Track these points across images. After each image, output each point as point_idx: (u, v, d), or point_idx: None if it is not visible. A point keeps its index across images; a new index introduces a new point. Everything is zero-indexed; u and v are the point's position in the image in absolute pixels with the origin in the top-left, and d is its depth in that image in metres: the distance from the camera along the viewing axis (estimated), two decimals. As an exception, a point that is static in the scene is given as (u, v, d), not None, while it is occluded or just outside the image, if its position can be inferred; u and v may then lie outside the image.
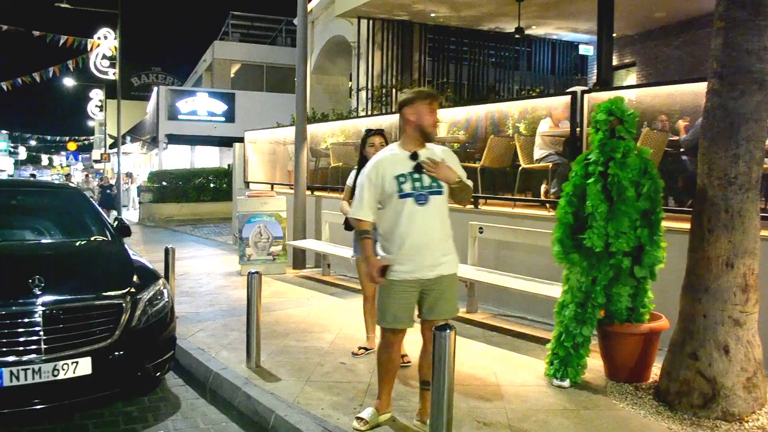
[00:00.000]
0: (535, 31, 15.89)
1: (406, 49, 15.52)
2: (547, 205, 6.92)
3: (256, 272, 5.02)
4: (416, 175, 3.67)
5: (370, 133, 5.20)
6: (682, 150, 6.57)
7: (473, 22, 15.39)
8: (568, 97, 6.58)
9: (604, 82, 10.30)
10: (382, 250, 3.75)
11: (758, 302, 4.04)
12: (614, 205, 4.40)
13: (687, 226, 4.37)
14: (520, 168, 7.64)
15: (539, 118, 7.72)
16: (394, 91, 14.76)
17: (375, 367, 4.94)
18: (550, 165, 7.29)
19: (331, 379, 4.72)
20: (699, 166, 4.18)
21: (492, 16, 14.60)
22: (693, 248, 4.19)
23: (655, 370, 4.61)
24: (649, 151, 4.58)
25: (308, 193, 10.27)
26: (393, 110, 14.36)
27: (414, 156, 3.69)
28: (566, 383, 4.50)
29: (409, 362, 4.84)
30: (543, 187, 7.37)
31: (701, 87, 4.30)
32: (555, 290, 5.56)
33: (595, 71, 13.00)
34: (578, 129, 6.35)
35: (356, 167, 5.34)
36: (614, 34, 12.00)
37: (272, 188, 12.23)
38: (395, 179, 3.66)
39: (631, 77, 15.52)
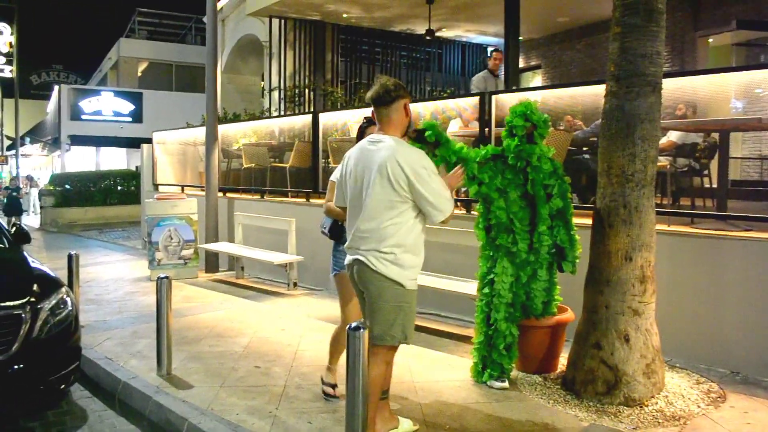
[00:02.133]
0: (445, 33, 16.17)
1: (318, 50, 15.46)
2: (459, 204, 7.06)
3: (166, 277, 4.87)
4: None
5: (370, 122, 4.31)
6: (585, 149, 6.86)
7: (385, 24, 15.50)
8: (477, 98, 6.74)
9: (511, 84, 10.62)
10: (399, 262, 3.39)
11: (655, 293, 4.27)
12: (537, 209, 4.53)
13: (589, 222, 4.57)
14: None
15: (450, 118, 7.86)
16: (306, 91, 14.68)
17: (290, 369, 4.94)
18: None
19: (246, 384, 4.64)
20: (599, 165, 4.38)
21: (403, 18, 14.76)
22: (594, 243, 4.39)
23: (563, 361, 4.80)
24: (553, 150, 4.74)
25: (220, 194, 10.07)
26: (306, 110, 14.29)
27: None
28: (506, 383, 4.53)
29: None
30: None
31: (601, 89, 4.49)
32: (468, 287, 5.70)
33: (504, 73, 13.35)
34: (487, 129, 6.51)
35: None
36: (520, 38, 12.39)
37: (182, 190, 11.92)
38: None
39: (537, 79, 16.06)
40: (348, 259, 3.59)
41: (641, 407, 4.09)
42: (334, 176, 4.08)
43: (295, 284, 8.21)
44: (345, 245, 3.63)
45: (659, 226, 4.64)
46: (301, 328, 6.17)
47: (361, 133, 4.21)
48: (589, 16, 13.40)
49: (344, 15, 14.61)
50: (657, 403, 4.14)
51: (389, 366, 3.68)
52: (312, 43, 15.39)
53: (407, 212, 3.39)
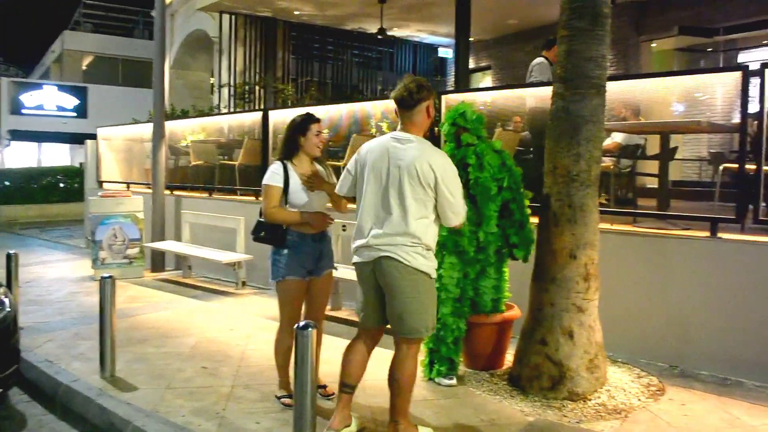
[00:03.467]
0: (397, 32, 16.24)
1: (269, 46, 15.33)
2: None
3: (110, 276, 4.75)
4: None
5: (316, 118, 4.15)
6: (531, 149, 6.99)
7: (337, 22, 15.48)
8: (427, 98, 6.78)
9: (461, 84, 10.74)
10: (427, 256, 3.48)
11: (598, 290, 4.38)
12: (480, 208, 4.57)
13: (536, 220, 4.65)
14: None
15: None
16: (257, 88, 14.54)
17: (238, 369, 4.89)
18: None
19: (193, 385, 4.57)
20: (545, 164, 4.46)
21: (356, 17, 14.76)
22: (540, 241, 4.47)
23: (509, 357, 4.87)
24: (500, 143, 4.79)
25: (167, 192, 9.86)
26: (257, 107, 14.15)
27: None
28: (454, 380, 4.56)
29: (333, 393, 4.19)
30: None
31: (549, 91, 4.57)
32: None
33: (454, 73, 13.49)
34: (436, 129, 6.56)
35: (280, 161, 4.11)
36: (471, 39, 12.52)
37: (128, 188, 11.64)
38: None
39: (487, 80, 16.28)
40: (367, 256, 3.50)
41: (585, 401, 4.19)
42: (275, 180, 4.04)
43: (243, 283, 8.12)
44: (364, 243, 3.48)
45: (603, 225, 4.76)
46: (249, 328, 6.11)
47: (305, 128, 4.06)
48: (538, 19, 13.63)
49: (296, 12, 14.53)
50: (600, 397, 4.24)
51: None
52: (263, 40, 15.26)
53: (433, 211, 3.47)
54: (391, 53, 17.59)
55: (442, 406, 4.18)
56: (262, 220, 4.14)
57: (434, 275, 3.55)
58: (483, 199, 4.55)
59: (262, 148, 8.94)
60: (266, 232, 4.10)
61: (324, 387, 4.29)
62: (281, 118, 9.14)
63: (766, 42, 12.45)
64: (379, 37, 14.73)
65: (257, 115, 9.46)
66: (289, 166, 4.07)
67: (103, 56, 29.62)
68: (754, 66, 5.02)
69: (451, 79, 16.52)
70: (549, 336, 4.31)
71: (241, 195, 9.43)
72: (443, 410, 4.10)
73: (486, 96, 7.56)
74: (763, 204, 5.14)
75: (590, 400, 4.22)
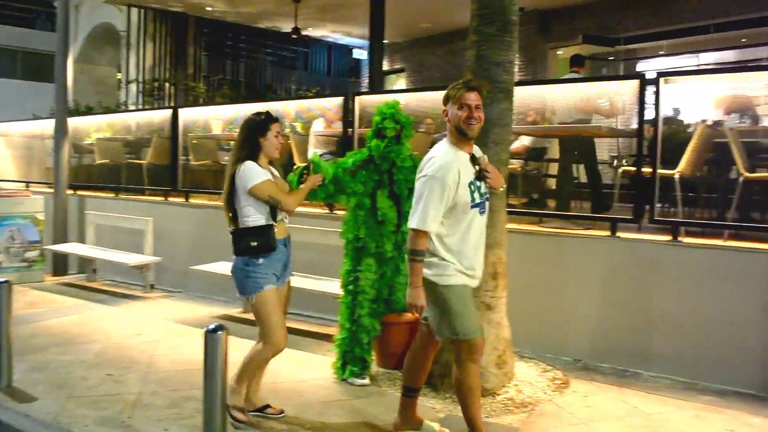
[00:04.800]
0: (312, 32, 16.18)
1: (180, 42, 14.95)
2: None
3: (6, 281, 4.50)
4: (478, 183, 3.37)
5: (275, 118, 3.85)
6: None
7: (251, 19, 15.26)
8: (341, 99, 6.81)
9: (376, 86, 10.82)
10: (433, 265, 3.34)
11: (506, 288, 4.52)
12: (402, 209, 4.61)
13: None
14: (296, 166, 7.71)
15: (315, 117, 7.89)
16: (167, 85, 14.14)
17: (145, 375, 4.73)
18: (326, 164, 7.48)
19: (97, 393, 4.39)
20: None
21: (270, 15, 14.60)
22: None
23: (422, 356, 4.94)
24: (410, 146, 4.86)
25: (70, 192, 9.44)
26: (167, 105, 13.76)
27: (473, 159, 3.38)
28: (367, 380, 4.58)
29: (282, 412, 3.99)
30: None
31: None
32: (330, 285, 5.73)
33: (368, 75, 13.58)
34: (350, 130, 6.60)
35: (238, 163, 3.74)
36: (385, 41, 12.64)
37: (27, 187, 11.05)
38: (468, 187, 3.31)
39: (401, 82, 16.47)
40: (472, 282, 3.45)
41: (494, 396, 4.32)
42: (263, 175, 3.67)
43: (152, 286, 7.87)
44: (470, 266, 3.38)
45: (510, 225, 4.91)
46: (158, 332, 5.93)
47: (265, 128, 3.74)
48: (450, 24, 13.92)
49: (208, 8, 14.23)
50: (508, 392, 4.38)
51: (478, 364, 3.55)
52: (173, 36, 14.84)
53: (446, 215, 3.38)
54: (306, 53, 17.49)
55: (355, 406, 4.20)
56: (238, 229, 3.74)
57: (442, 282, 3.35)
58: (402, 198, 4.63)
59: (171, 147, 8.70)
60: (259, 238, 3.68)
61: (268, 406, 3.98)
62: (192, 116, 8.95)
63: (662, 52, 13.22)
64: (294, 36, 14.61)
65: (167, 113, 9.21)
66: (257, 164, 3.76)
67: (1, 47, 27.99)
68: (650, 75, 5.33)
69: (366, 81, 16.61)
70: (459, 334, 4.41)
71: (149, 195, 9.14)
72: (355, 410, 4.13)
73: (400, 98, 7.62)
74: (659, 205, 5.46)
75: (499, 395, 4.35)
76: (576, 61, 7.31)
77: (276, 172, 3.90)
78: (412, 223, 3.29)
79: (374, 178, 4.62)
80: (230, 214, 3.80)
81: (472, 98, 3.30)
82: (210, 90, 15.43)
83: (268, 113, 3.83)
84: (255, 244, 3.67)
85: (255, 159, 3.74)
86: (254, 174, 3.67)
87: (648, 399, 4.40)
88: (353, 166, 4.57)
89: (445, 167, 3.26)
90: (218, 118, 9.16)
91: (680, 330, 4.81)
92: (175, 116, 8.66)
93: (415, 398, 3.77)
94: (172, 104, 13.90)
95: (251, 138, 3.75)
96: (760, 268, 4.58)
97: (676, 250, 4.95)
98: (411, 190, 4.63)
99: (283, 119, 8.55)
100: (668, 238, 5.05)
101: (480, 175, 3.36)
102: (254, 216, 3.71)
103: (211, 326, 3.11)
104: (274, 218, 3.74)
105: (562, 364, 5.03)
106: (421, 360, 3.72)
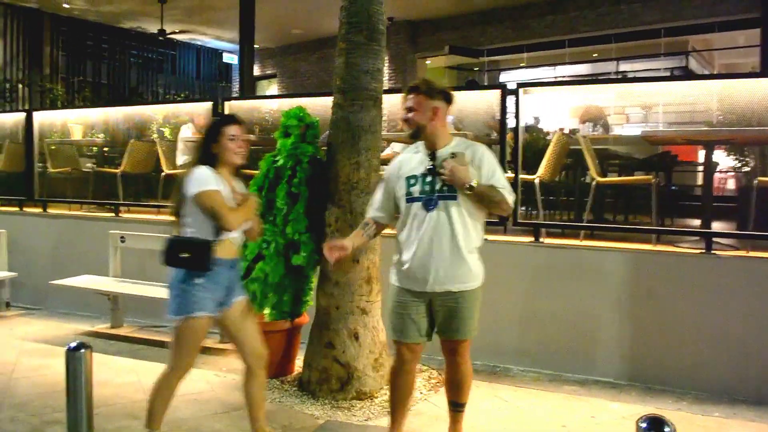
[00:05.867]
0: (179, 35, 15.68)
1: (35, 41, 13.98)
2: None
3: None
4: (428, 178, 3.25)
5: (229, 120, 3.44)
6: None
7: (114, 19, 14.57)
8: (210, 104, 6.67)
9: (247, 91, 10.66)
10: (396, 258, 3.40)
11: (380, 291, 4.60)
12: (295, 208, 4.57)
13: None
14: (164, 174, 7.48)
15: (184, 123, 7.67)
16: (20, 86, 13.18)
17: (1, 401, 4.38)
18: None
19: (-58, 422, 4.00)
20: (330, 172, 4.58)
21: (134, 15, 14.01)
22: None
23: (299, 363, 4.93)
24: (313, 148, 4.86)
25: None
26: (20, 108, 12.81)
27: (433, 155, 3.29)
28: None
29: None
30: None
31: (331, 101, 4.71)
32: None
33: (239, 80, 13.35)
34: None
35: (190, 167, 3.38)
36: (257, 46, 12.49)
37: None
38: (406, 180, 3.30)
39: (273, 87, 16.34)
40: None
41: (371, 399, 4.38)
42: (213, 183, 3.25)
43: (7, 304, 7.27)
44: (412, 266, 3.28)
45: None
46: (14, 353, 5.49)
47: (215, 133, 3.34)
48: (321, 31, 13.99)
49: (65, 5, 13.42)
50: (386, 394, 4.42)
51: (403, 368, 3.51)
52: (27, 34, 13.86)
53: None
54: (174, 56, 16.89)
55: (233, 418, 4.11)
56: (178, 237, 3.33)
57: (393, 282, 3.42)
58: (301, 198, 4.63)
59: (26, 153, 8.10)
60: (192, 252, 3.23)
61: None
62: (48, 119, 8.40)
63: (523, 64, 14.01)
64: (160, 38, 14.09)
65: (20, 116, 8.55)
66: (216, 172, 3.33)
67: None
68: (511, 85, 5.64)
69: (237, 86, 16.33)
70: (336, 339, 4.44)
71: (1, 205, 8.45)
72: (234, 422, 4.04)
73: (272, 104, 7.60)
74: (522, 208, 5.78)
75: (377, 397, 4.41)
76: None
77: (238, 186, 3.47)
78: None
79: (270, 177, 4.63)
80: (175, 220, 3.42)
81: (408, 99, 3.34)
82: (69, 93, 14.54)
83: (223, 115, 3.45)
84: (186, 255, 3.22)
85: (213, 167, 3.32)
86: (201, 180, 3.24)
87: (518, 392, 4.64)
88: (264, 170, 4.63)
89: (393, 161, 3.52)
90: (79, 123, 8.66)
91: (544, 326, 5.12)
92: (29, 120, 8.08)
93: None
94: (26, 107, 12.98)
95: (204, 145, 3.37)
96: (613, 265, 4.97)
97: (537, 250, 5.26)
98: (314, 191, 4.62)
99: (150, 124, 8.25)
100: (531, 239, 5.36)
101: (433, 171, 3.25)
102: (193, 228, 3.28)
103: (73, 344, 2.93)
104: (217, 234, 3.28)
105: (436, 364, 5.17)
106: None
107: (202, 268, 3.21)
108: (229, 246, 3.36)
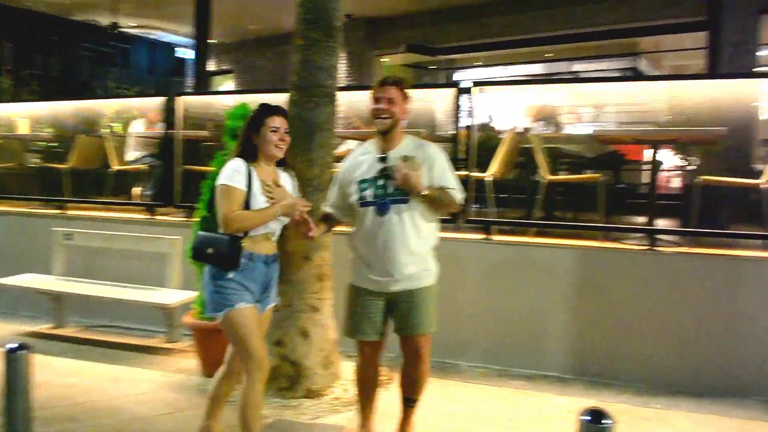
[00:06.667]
0: (133, 29, 15.37)
1: (-21, 32, 13.52)
2: (144, 207, 6.78)
3: None
4: (380, 181, 3.25)
5: (273, 110, 3.28)
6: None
7: (64, 11, 14.19)
8: (163, 99, 6.56)
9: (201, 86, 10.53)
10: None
11: (331, 289, 4.59)
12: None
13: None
14: (112, 170, 7.34)
15: (135, 118, 7.54)
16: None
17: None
18: (146, 167, 7.17)
19: None
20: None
21: (86, 7, 13.67)
22: (279, 244, 4.55)
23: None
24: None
25: None
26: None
27: (383, 158, 3.28)
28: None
29: None
30: (137, 190, 7.23)
31: (286, 97, 4.67)
32: (153, 295, 5.48)
33: (194, 75, 13.16)
34: (173, 131, 6.37)
35: (242, 159, 3.21)
36: (212, 41, 12.32)
37: None
38: (358, 184, 3.30)
39: (229, 83, 16.14)
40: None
41: (320, 397, 4.37)
42: (237, 181, 3.12)
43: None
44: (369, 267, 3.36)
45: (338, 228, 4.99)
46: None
47: (258, 123, 3.21)
48: (278, 26, 13.85)
49: (13, -5, 13.02)
50: (334, 392, 4.46)
51: (365, 364, 3.71)
52: (-30, 25, 13.41)
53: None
54: (127, 50, 16.57)
55: (178, 419, 4.06)
56: (207, 233, 3.20)
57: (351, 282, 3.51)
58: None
59: (-32, 149, 7.86)
60: (218, 248, 3.11)
61: None
62: (-7, 114, 8.15)
63: (479, 63, 14.14)
64: (112, 31, 13.79)
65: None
66: (252, 168, 3.21)
67: None
68: (466, 84, 5.68)
69: (191, 81, 16.09)
70: (285, 337, 4.41)
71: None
72: (179, 424, 3.99)
73: (227, 99, 7.51)
74: (474, 205, 5.83)
75: (326, 395, 4.41)
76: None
77: (283, 180, 3.39)
78: None
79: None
80: (208, 215, 3.34)
81: (382, 92, 3.30)
82: (16, 86, 14.15)
83: (265, 105, 3.29)
84: (211, 251, 3.13)
85: (253, 160, 3.22)
86: (228, 173, 3.13)
87: (467, 387, 4.70)
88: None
89: (344, 163, 3.48)
90: (25, 117, 8.42)
91: (493, 322, 5.18)
92: (-29, 114, 7.84)
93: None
94: (-31, 100, 12.57)
95: (244, 136, 3.26)
96: (561, 262, 5.06)
97: (488, 247, 5.32)
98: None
99: (100, 119, 8.08)
100: (482, 236, 5.41)
101: (384, 174, 3.26)
102: None
103: (12, 345, 2.85)
104: (246, 232, 3.17)
105: (387, 360, 5.18)
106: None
107: (229, 265, 3.11)
108: (265, 241, 3.26)
